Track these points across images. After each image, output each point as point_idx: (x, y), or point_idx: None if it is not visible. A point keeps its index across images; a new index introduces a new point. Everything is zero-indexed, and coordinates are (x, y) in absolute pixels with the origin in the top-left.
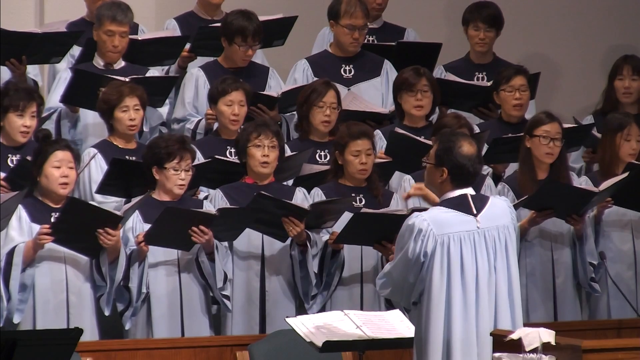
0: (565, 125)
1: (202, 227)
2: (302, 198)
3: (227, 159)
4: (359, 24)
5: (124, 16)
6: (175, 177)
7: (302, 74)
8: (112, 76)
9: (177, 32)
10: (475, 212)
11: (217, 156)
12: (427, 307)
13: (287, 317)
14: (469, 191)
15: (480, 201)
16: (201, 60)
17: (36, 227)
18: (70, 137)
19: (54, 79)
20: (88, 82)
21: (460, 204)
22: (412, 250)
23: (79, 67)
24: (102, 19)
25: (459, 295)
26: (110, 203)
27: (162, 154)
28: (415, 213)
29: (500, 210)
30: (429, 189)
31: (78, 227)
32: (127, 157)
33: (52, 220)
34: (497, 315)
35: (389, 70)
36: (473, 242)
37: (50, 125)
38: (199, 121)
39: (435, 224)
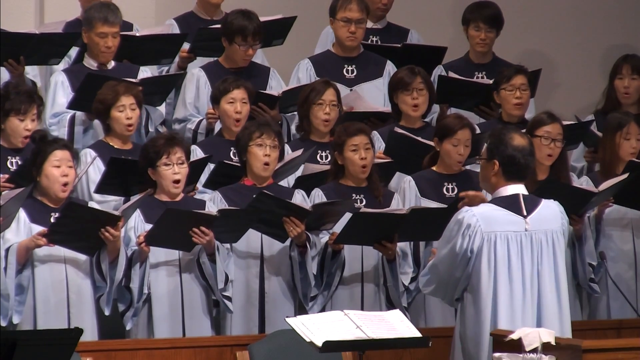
0: (564, 123)
1: (202, 228)
2: (300, 200)
3: (234, 163)
4: (354, 17)
5: (115, 16)
6: (169, 172)
7: (305, 74)
8: (125, 79)
9: (175, 30)
10: (525, 213)
11: (225, 161)
12: (474, 303)
13: (287, 317)
14: (522, 190)
15: (532, 203)
16: (201, 60)
17: (36, 228)
18: (83, 144)
19: (48, 81)
20: (99, 85)
21: (511, 204)
22: (460, 246)
23: (73, 70)
24: (93, 21)
25: (505, 294)
26: (110, 202)
27: (151, 154)
28: (466, 207)
29: (552, 214)
30: (483, 188)
31: (77, 229)
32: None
33: (52, 221)
34: (542, 320)
35: (392, 71)
36: (520, 243)
37: (62, 130)
38: (200, 121)
39: (483, 220)
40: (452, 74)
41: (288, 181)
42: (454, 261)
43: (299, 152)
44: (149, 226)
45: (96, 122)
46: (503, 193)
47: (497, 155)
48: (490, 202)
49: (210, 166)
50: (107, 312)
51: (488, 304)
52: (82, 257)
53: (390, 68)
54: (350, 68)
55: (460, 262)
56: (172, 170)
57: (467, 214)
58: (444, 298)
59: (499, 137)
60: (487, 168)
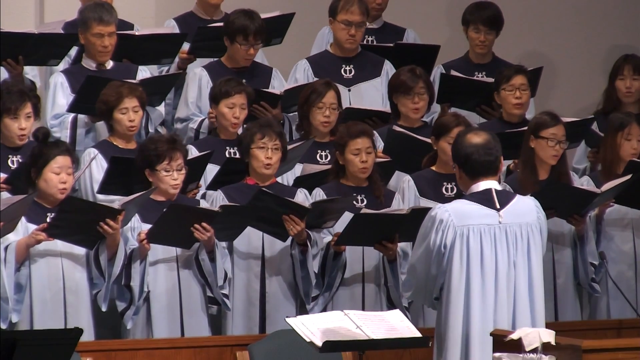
0: (566, 120)
1: (204, 224)
2: (303, 199)
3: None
4: (355, 19)
5: (110, 16)
6: (168, 178)
7: (303, 74)
8: (125, 80)
9: (175, 31)
10: (498, 206)
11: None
12: (446, 300)
13: (287, 317)
14: (494, 185)
15: (506, 197)
16: (201, 60)
17: (32, 227)
18: (84, 145)
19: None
20: (99, 87)
21: (484, 198)
22: (433, 241)
23: (72, 71)
24: (88, 22)
25: (477, 288)
26: (114, 203)
27: (151, 156)
28: (438, 205)
29: (526, 208)
30: (464, 192)
31: (76, 223)
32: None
33: (48, 220)
34: (515, 312)
35: (390, 71)
36: (493, 236)
37: (64, 132)
38: (202, 121)
39: (456, 215)
40: (454, 73)
41: (288, 181)
42: (429, 258)
43: (296, 144)
44: (145, 226)
45: (98, 124)
46: (475, 189)
47: (455, 159)
48: (464, 197)
49: (208, 165)
50: (104, 308)
51: (460, 300)
52: (79, 251)
53: (388, 67)
54: (348, 68)
55: (435, 258)
56: (171, 177)
57: (440, 210)
58: (424, 301)
59: (455, 141)
60: (456, 174)
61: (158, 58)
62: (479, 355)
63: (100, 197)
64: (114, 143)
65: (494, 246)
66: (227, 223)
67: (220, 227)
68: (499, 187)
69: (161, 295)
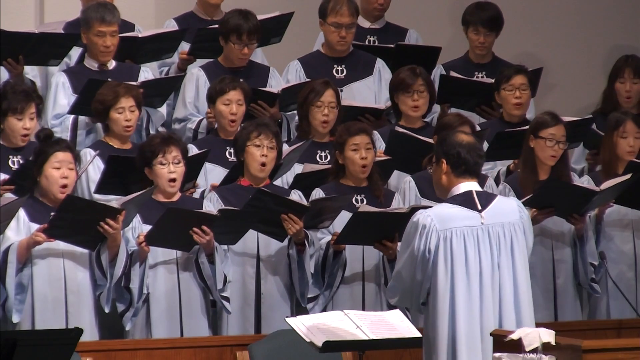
0: (566, 119)
1: (203, 227)
2: (297, 199)
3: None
4: (344, 22)
5: (112, 15)
6: (164, 171)
7: (294, 75)
8: (127, 82)
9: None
10: (479, 208)
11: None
12: (433, 304)
13: (287, 317)
14: (475, 187)
15: (486, 198)
16: (201, 61)
17: (35, 227)
18: (85, 146)
19: (47, 81)
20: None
21: (465, 200)
22: (417, 247)
23: (73, 71)
24: (90, 21)
25: (462, 291)
26: (111, 203)
27: (147, 153)
28: (420, 210)
29: (508, 208)
30: (439, 196)
31: (76, 223)
32: None
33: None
34: (501, 314)
35: (382, 69)
36: (476, 237)
37: (64, 134)
38: (201, 121)
39: (438, 219)
40: (454, 73)
41: (287, 179)
42: (413, 264)
43: (296, 145)
44: (146, 227)
45: (99, 125)
46: (456, 192)
47: (443, 154)
48: (445, 201)
49: (208, 165)
50: (107, 310)
51: (446, 304)
52: (81, 251)
53: (380, 66)
54: (339, 68)
55: (420, 264)
56: (168, 169)
57: (422, 216)
58: (410, 306)
59: (443, 138)
60: (438, 170)
61: (159, 55)
62: (466, 357)
63: (98, 197)
64: (110, 143)
65: (477, 248)
66: (227, 226)
67: (220, 230)
68: (479, 189)
69: (161, 297)
